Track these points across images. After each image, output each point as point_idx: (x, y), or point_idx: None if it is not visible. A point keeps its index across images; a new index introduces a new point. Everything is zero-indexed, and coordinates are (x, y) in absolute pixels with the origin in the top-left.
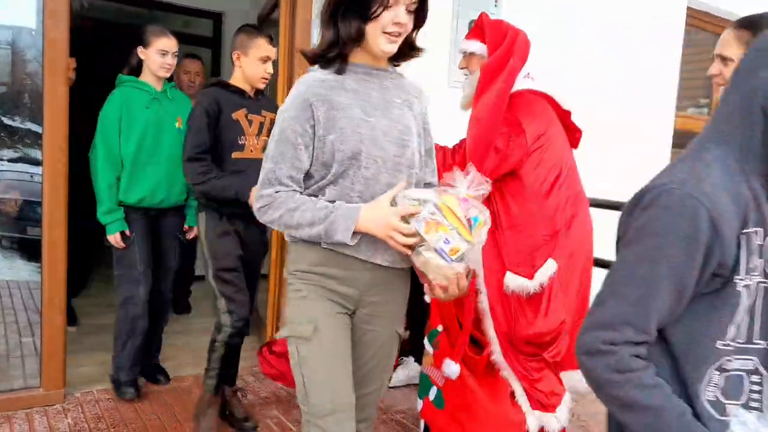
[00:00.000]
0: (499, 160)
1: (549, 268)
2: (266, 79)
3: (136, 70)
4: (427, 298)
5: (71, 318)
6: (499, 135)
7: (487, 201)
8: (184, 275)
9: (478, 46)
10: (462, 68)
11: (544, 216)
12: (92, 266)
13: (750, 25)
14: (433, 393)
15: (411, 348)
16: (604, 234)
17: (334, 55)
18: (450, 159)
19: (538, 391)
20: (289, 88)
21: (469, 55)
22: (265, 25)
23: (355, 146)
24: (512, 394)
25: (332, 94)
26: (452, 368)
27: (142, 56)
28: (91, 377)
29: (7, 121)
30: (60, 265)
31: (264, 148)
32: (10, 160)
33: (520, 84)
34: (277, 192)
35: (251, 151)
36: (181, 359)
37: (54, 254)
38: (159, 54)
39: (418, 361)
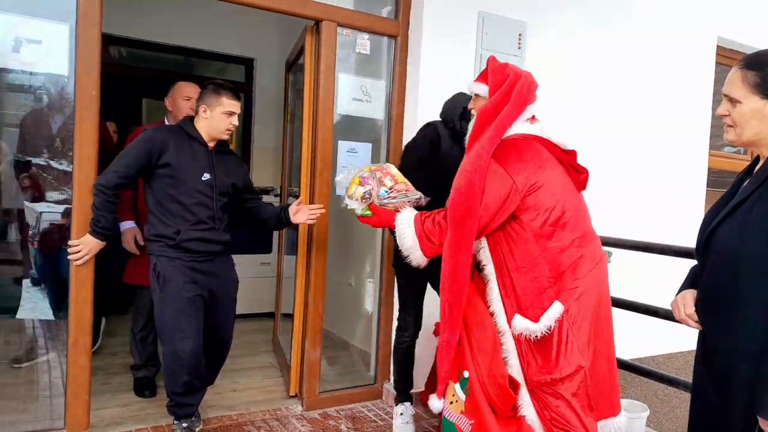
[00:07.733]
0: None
1: (555, 311)
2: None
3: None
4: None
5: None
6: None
7: (494, 245)
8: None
9: (482, 89)
10: (470, 109)
11: (547, 258)
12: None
13: (756, 64)
14: None
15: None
16: (642, 274)
17: None
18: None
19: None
20: (315, 131)
21: (475, 97)
22: (292, 69)
23: None
24: None
25: None
26: (435, 404)
27: None
28: (114, 419)
29: (55, 165)
30: (86, 305)
31: None
32: (56, 202)
33: (517, 128)
34: None
35: None
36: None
37: (81, 293)
38: None
39: None
